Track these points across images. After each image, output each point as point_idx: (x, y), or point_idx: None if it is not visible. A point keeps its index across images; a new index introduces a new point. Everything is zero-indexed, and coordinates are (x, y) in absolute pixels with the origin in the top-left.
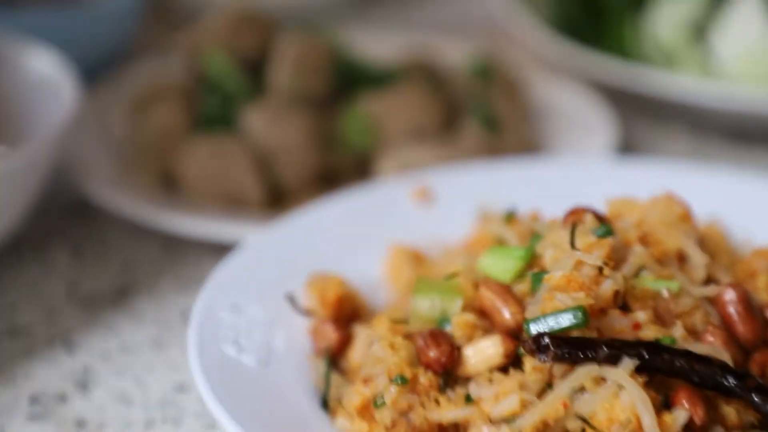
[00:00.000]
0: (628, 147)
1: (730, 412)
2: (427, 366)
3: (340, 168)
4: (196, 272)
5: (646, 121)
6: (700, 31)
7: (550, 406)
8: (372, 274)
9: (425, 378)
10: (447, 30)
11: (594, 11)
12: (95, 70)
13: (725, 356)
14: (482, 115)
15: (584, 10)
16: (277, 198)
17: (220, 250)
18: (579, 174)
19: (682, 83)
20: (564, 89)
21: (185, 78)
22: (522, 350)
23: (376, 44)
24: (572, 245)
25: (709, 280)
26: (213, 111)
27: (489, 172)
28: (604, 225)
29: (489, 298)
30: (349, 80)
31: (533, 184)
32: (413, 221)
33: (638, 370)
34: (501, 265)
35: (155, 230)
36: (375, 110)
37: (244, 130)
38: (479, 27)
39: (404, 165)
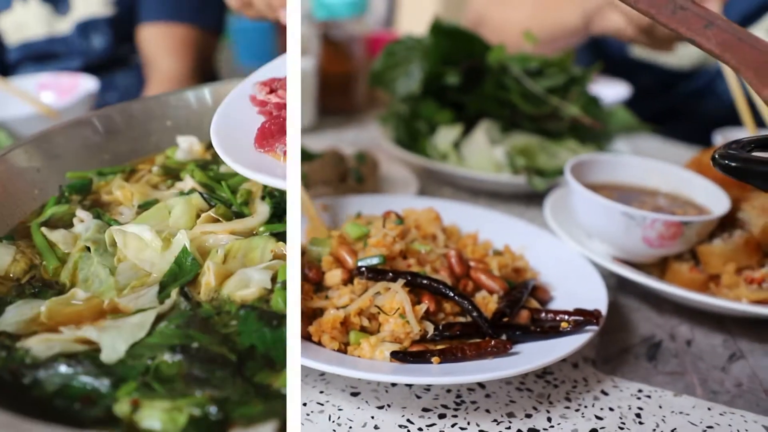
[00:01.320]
0: (422, 193)
1: (447, 306)
2: (308, 280)
3: None
4: None
5: (433, 183)
6: (457, 144)
7: (364, 301)
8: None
9: (307, 286)
10: (349, 142)
11: (413, 134)
12: None
13: (448, 281)
14: (357, 176)
15: (408, 134)
16: None
17: None
18: (397, 201)
19: (448, 167)
20: (397, 167)
21: None
22: (354, 274)
23: (314, 144)
24: (384, 226)
25: (445, 247)
26: None
27: (356, 199)
28: (399, 219)
29: (341, 252)
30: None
31: (374, 203)
32: (321, 217)
33: (406, 285)
34: (353, 231)
35: None
36: (309, 169)
37: None
38: (365, 141)
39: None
